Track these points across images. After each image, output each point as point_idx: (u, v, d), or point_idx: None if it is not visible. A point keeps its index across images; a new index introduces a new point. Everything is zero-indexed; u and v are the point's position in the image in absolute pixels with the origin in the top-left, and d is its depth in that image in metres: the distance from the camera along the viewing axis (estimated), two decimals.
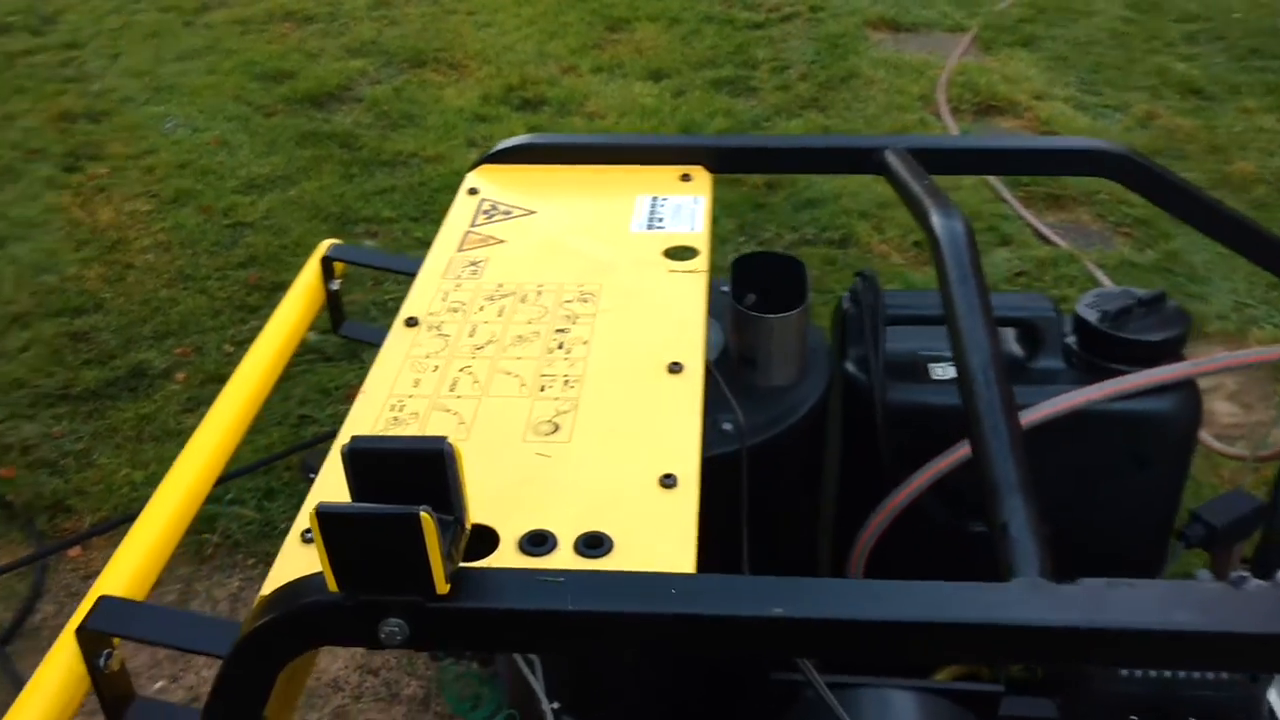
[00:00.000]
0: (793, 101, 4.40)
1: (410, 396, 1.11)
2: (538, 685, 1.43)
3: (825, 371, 1.40)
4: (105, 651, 0.99)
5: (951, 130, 4.13)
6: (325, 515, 0.77)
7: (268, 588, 0.88)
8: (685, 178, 1.46)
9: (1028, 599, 0.76)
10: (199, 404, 2.57)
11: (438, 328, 1.22)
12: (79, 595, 2.03)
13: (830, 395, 1.41)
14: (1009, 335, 1.49)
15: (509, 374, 1.13)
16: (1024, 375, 1.44)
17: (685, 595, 0.80)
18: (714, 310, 1.44)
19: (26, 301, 3.20)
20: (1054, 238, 3.44)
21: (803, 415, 1.34)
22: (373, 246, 3.40)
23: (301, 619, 0.84)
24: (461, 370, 1.14)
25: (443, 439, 0.80)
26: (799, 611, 0.77)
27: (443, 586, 0.78)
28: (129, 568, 1.10)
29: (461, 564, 0.85)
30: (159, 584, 2.26)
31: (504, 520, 0.92)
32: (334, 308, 1.60)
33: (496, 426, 1.05)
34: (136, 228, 3.60)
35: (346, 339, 1.68)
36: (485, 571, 0.84)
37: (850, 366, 1.46)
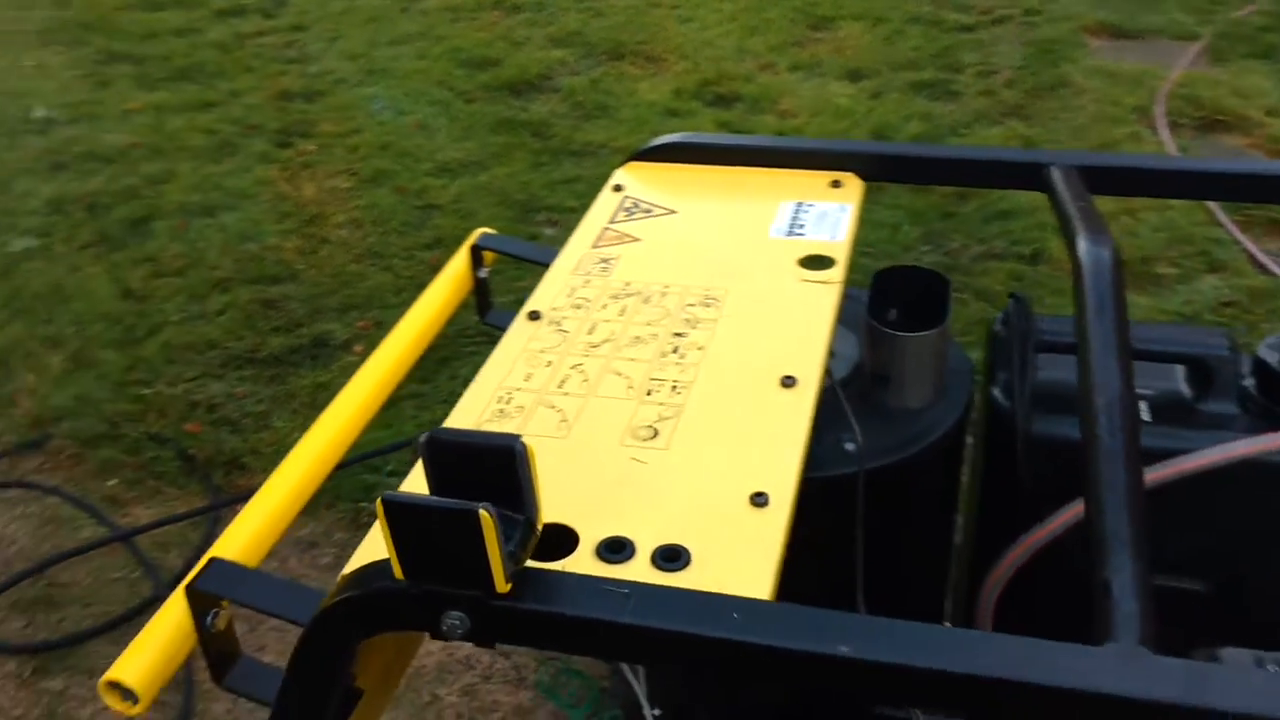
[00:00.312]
0: (995, 108, 4.21)
1: (519, 390, 1.11)
2: (640, 691, 1.42)
3: (964, 396, 1.32)
4: (213, 611, 1.03)
5: (1168, 147, 3.85)
6: (390, 504, 0.77)
7: (349, 566, 0.89)
8: (835, 184, 1.41)
9: (1116, 667, 0.69)
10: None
11: (558, 323, 1.21)
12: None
13: (967, 421, 1.33)
14: (1177, 373, 1.36)
15: (619, 375, 1.11)
16: (1190, 418, 1.31)
17: (748, 622, 0.77)
18: (853, 324, 1.38)
19: (229, 268, 3.42)
20: (1273, 267, 3.16)
21: (934, 440, 1.27)
22: (551, 235, 3.46)
23: (369, 603, 0.85)
24: (573, 367, 1.13)
25: (516, 437, 0.79)
26: (865, 653, 0.73)
27: (502, 585, 0.77)
28: (245, 534, 1.13)
29: (531, 563, 0.84)
30: (314, 546, 2.38)
31: (586, 523, 0.91)
32: (481, 295, 1.62)
33: (597, 427, 1.04)
34: (335, 203, 3.78)
35: (490, 327, 1.71)
36: (550, 574, 0.83)
37: (996, 392, 1.37)
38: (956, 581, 1.56)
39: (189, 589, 1.01)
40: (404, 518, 0.77)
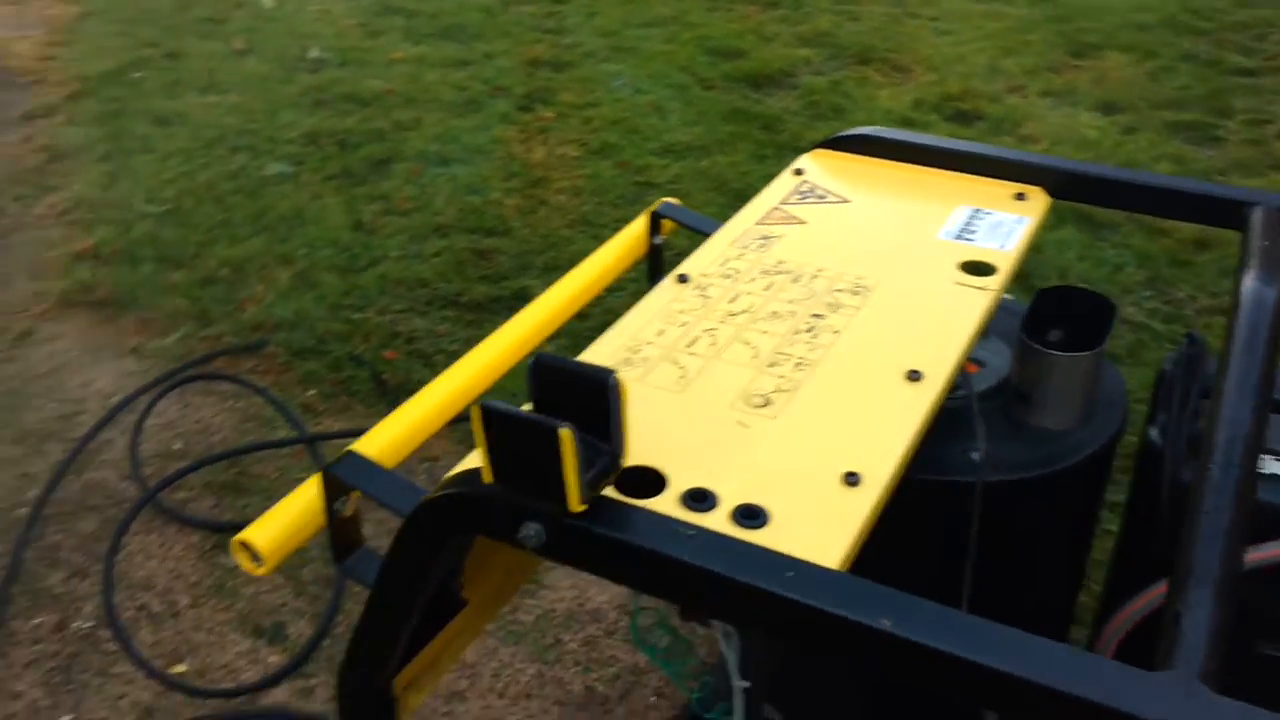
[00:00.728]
0: (1260, 159, 3.90)
1: (649, 344, 1.14)
2: (731, 659, 1.43)
3: (1111, 427, 1.26)
4: (342, 498, 1.11)
5: None
6: (486, 411, 0.82)
7: (453, 471, 0.95)
8: (1019, 196, 1.37)
9: (1164, 695, 0.65)
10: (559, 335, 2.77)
11: (704, 289, 1.23)
12: (411, 472, 2.28)
13: (1110, 453, 1.26)
14: None
15: (747, 344, 1.12)
16: None
17: (799, 581, 0.77)
18: (1012, 339, 1.34)
19: (451, 215, 3.60)
20: None
21: (1067, 465, 1.21)
22: None
23: (459, 502, 0.90)
24: (706, 331, 1.15)
25: (611, 371, 0.82)
26: (908, 631, 0.72)
27: (576, 504, 0.81)
28: (386, 437, 1.21)
29: (613, 494, 0.87)
30: (436, 460, 2.46)
31: (677, 471, 0.93)
32: (654, 261, 1.66)
33: (712, 388, 1.05)
34: (560, 170, 3.92)
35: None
36: (626, 505, 0.86)
37: (1153, 431, 1.29)
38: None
39: (324, 473, 1.09)
40: (496, 426, 0.82)
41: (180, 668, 2.16)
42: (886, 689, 1.41)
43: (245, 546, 1.09)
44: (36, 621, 2.26)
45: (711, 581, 0.79)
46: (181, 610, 2.28)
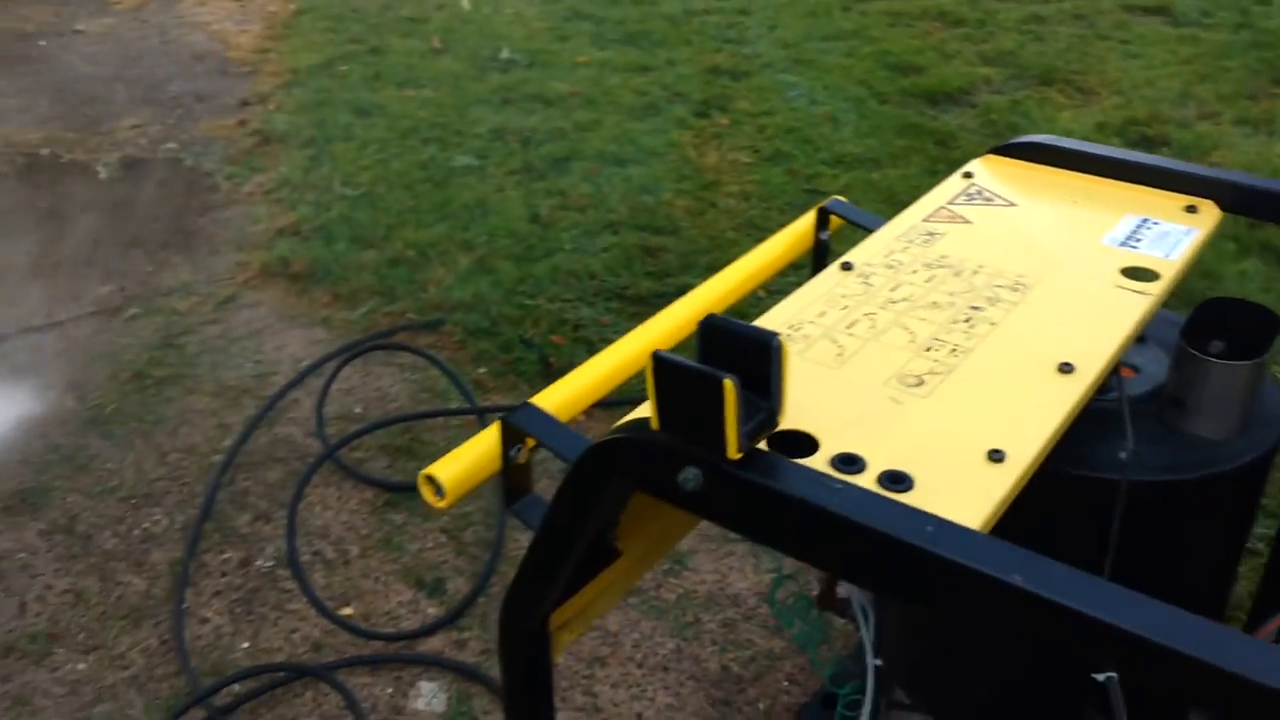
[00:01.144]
0: None
1: (810, 323, 1.20)
2: (867, 638, 1.47)
3: (1269, 440, 1.25)
4: (517, 445, 1.20)
5: None
6: (658, 360, 0.89)
7: (620, 421, 1.03)
8: (1190, 209, 1.37)
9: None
10: None
11: (866, 277, 1.29)
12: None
13: (1266, 468, 1.25)
14: None
15: (905, 329, 1.17)
16: None
17: (939, 535, 0.81)
18: (1171, 349, 1.34)
19: (623, 213, 3.73)
20: None
21: (1219, 471, 1.21)
22: None
23: (625, 446, 0.97)
24: (866, 315, 1.20)
25: (775, 334, 0.89)
26: (1038, 587, 0.75)
27: (734, 452, 0.85)
28: (563, 393, 1.30)
29: (767, 450, 0.94)
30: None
31: (828, 437, 0.98)
32: (818, 256, 1.71)
33: (868, 366, 1.10)
34: (731, 174, 4.00)
35: None
36: (779, 459, 0.91)
37: None
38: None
39: (503, 421, 1.20)
40: (665, 374, 0.89)
41: (347, 610, 2.33)
42: (1018, 678, 1.43)
43: (430, 480, 1.19)
44: (224, 557, 2.48)
45: (855, 533, 0.83)
46: (352, 559, 2.46)
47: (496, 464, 1.20)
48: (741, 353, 0.89)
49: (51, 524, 2.56)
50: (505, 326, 3.15)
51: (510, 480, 1.22)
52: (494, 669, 2.19)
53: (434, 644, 2.26)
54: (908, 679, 1.62)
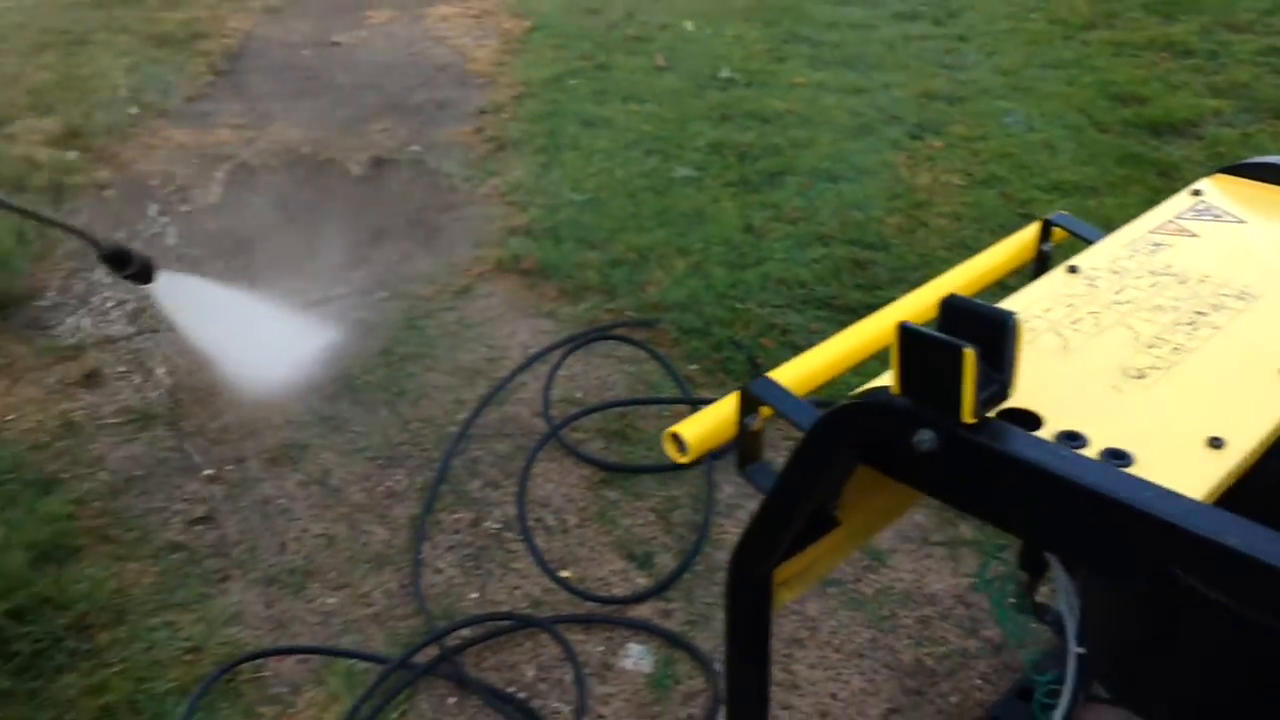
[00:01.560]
0: None
1: (1036, 317, 1.29)
2: (1070, 625, 1.54)
3: None
4: (753, 414, 1.35)
5: None
6: (904, 330, 1.02)
7: (857, 390, 1.16)
8: None
9: None
10: None
11: (1092, 279, 1.37)
12: (774, 449, 2.53)
13: None
14: None
15: (1129, 328, 1.25)
16: None
17: (1161, 500, 0.87)
18: None
19: (834, 227, 3.85)
20: None
21: None
22: None
23: (862, 409, 1.09)
24: (1090, 313, 1.29)
25: (1012, 313, 1.00)
26: (1255, 551, 0.79)
27: (969, 416, 0.93)
28: (799, 370, 1.43)
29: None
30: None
31: (1053, 416, 1.06)
32: (1039, 267, 1.78)
33: (1091, 357, 1.18)
34: (943, 195, 4.06)
35: None
36: (1009, 426, 1.00)
37: None
38: None
39: (742, 390, 1.35)
40: (910, 342, 1.01)
41: (565, 573, 2.54)
42: (1228, 676, 1.46)
43: (675, 437, 1.34)
44: (457, 516, 2.73)
45: (1080, 498, 0.89)
46: (570, 528, 2.67)
47: (733, 429, 1.34)
48: (979, 328, 0.97)
49: (308, 476, 2.88)
50: (717, 327, 3.32)
51: (744, 445, 1.35)
52: (698, 638, 2.35)
53: (642, 611, 2.44)
54: (1109, 673, 1.67)
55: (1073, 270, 1.39)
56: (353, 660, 2.32)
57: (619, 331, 3.37)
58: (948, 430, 0.96)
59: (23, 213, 1.77)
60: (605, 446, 2.93)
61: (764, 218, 3.94)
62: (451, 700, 2.25)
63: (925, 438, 0.97)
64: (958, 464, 0.98)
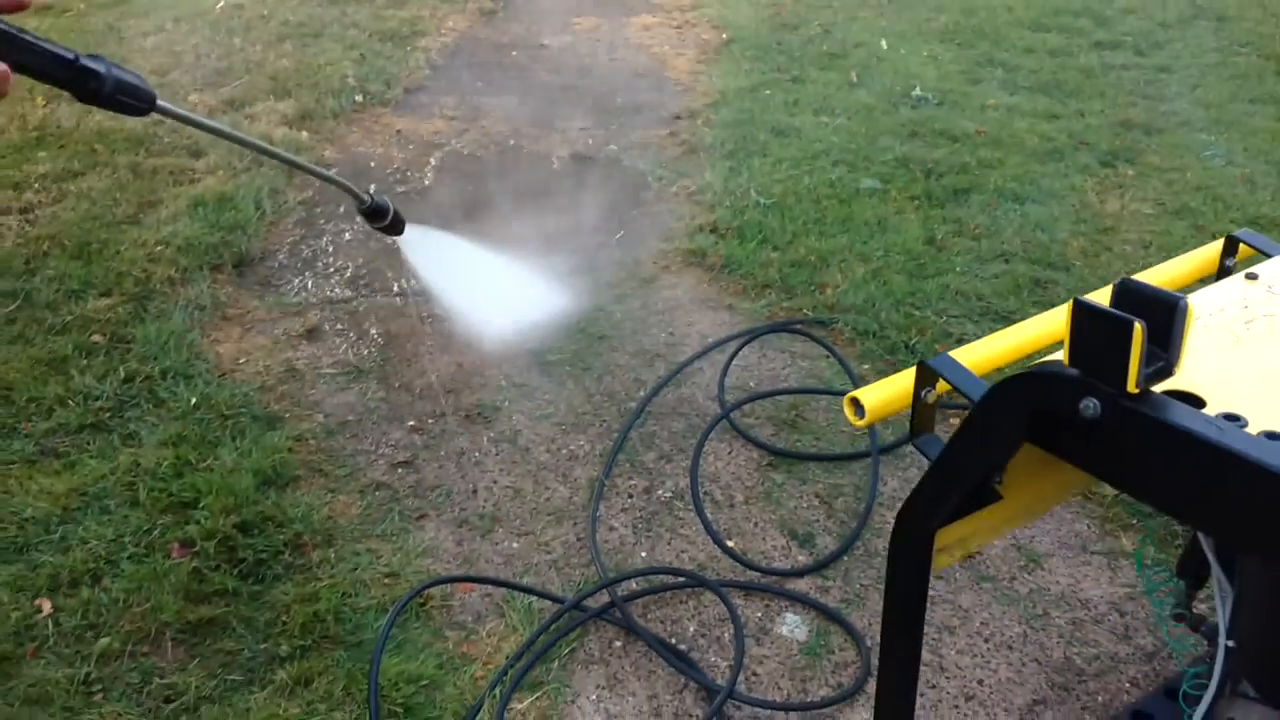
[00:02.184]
0: None
1: (1209, 314, 1.37)
2: (1222, 617, 1.60)
3: None
4: (928, 387, 1.47)
5: None
6: (1078, 304, 1.13)
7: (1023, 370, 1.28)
8: None
9: None
10: None
11: (1270, 287, 1.44)
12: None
13: None
14: None
15: None
16: None
17: None
18: None
19: (1016, 245, 3.89)
20: None
21: None
22: None
23: (1031, 379, 1.18)
24: (1265, 315, 1.36)
25: (1183, 297, 1.09)
26: None
27: (1133, 386, 0.98)
28: (975, 353, 1.53)
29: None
30: None
31: (1217, 400, 1.11)
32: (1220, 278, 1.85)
33: (1261, 353, 1.25)
34: (1130, 223, 4.04)
35: None
36: (1171, 400, 1.03)
37: None
38: None
39: (920, 364, 1.47)
40: (1083, 315, 1.11)
41: (730, 543, 2.70)
42: None
43: (855, 402, 1.47)
44: (632, 482, 2.93)
45: (1232, 470, 0.93)
46: (736, 504, 2.83)
47: (908, 400, 1.46)
48: (1150, 309, 1.04)
49: (500, 434, 3.14)
50: (892, 331, 3.43)
51: (917, 416, 1.46)
52: (853, 615, 2.47)
53: (800, 585, 2.58)
54: (1258, 672, 1.71)
55: (1251, 277, 1.46)
56: (531, 599, 2.54)
57: (797, 327, 3.51)
58: (1112, 400, 1.01)
59: (301, 168, 2.04)
60: (774, 433, 3.08)
61: (946, 231, 4.02)
62: (618, 644, 2.44)
63: (1090, 405, 1.03)
64: (1119, 434, 1.03)
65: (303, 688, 2.29)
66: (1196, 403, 1.11)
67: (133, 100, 1.44)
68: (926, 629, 2.43)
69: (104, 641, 2.38)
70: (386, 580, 2.61)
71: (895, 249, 3.90)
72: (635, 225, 4.31)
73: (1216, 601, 1.60)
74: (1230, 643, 1.58)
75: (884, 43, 6.09)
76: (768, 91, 5.48)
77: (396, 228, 2.28)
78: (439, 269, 3.45)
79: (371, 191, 2.19)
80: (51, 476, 2.86)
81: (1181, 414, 1.00)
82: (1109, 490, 2.71)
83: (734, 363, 3.39)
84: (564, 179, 4.76)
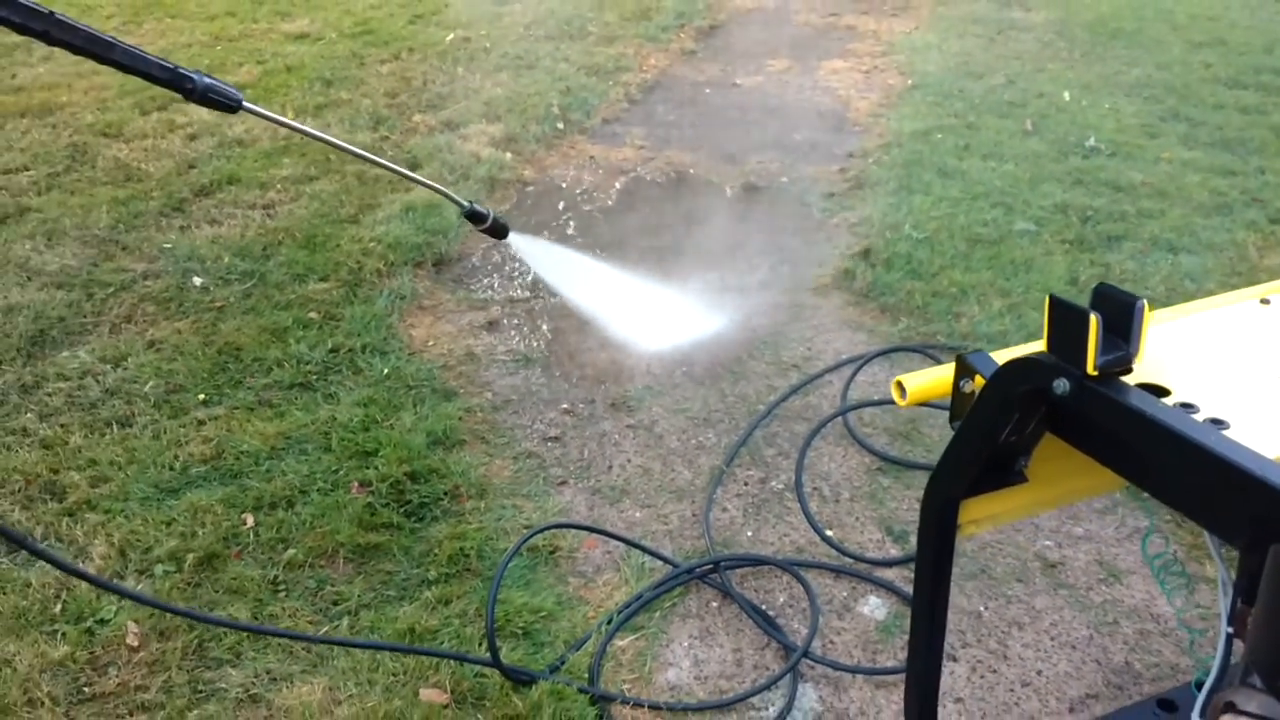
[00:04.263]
0: None
1: (1211, 327, 1.54)
2: (1223, 605, 1.75)
3: None
4: (966, 379, 1.70)
5: None
6: (1053, 300, 1.34)
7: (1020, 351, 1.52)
8: None
9: None
10: None
11: None
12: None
13: None
14: None
15: None
16: None
17: (1235, 448, 1.02)
18: None
19: (1160, 292, 3.96)
20: None
21: None
22: None
23: (1022, 363, 1.36)
24: (1263, 334, 1.49)
25: (1141, 299, 1.28)
26: None
27: (1091, 369, 1.11)
28: (1014, 354, 1.78)
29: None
30: None
31: (1180, 391, 1.21)
32: None
33: (1245, 364, 1.32)
34: None
35: None
36: (1127, 384, 1.15)
37: None
38: None
39: (959, 358, 1.70)
40: (1055, 310, 1.30)
41: (829, 531, 2.97)
42: None
43: (900, 385, 1.70)
44: (749, 473, 3.24)
45: (1169, 445, 1.06)
46: (841, 500, 3.10)
47: (948, 389, 1.67)
48: (1114, 308, 1.15)
49: (638, 422, 3.51)
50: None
51: (956, 404, 1.69)
52: None
53: (888, 574, 2.82)
54: (1263, 663, 1.84)
55: (1265, 302, 1.62)
56: (645, 559, 2.89)
57: (931, 351, 3.74)
58: (1077, 380, 1.15)
59: (399, 173, 2.48)
60: (889, 442, 3.32)
61: (1092, 274, 4.14)
62: (714, 604, 2.76)
63: (1061, 384, 1.17)
64: (1083, 410, 1.17)
65: (444, 606, 2.72)
66: (1163, 393, 1.26)
67: (222, 99, 1.93)
68: (997, 623, 2.64)
69: (291, 553, 2.88)
70: (525, 530, 3.02)
71: (1036, 286, 4.06)
72: (793, 250, 4.62)
73: (1219, 589, 1.76)
74: (1230, 629, 1.74)
75: (1066, 94, 6.18)
76: (940, 135, 5.69)
77: (499, 232, 2.71)
78: (605, 283, 3.89)
79: (473, 204, 2.61)
80: (265, 421, 3.42)
81: (1132, 395, 1.14)
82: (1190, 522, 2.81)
83: (862, 377, 3.65)
84: (735, 206, 5.13)
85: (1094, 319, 1.12)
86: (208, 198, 5.05)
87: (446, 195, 2.57)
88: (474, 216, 2.65)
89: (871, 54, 7.29)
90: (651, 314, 4.13)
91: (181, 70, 1.88)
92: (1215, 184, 4.95)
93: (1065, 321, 1.16)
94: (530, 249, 4.25)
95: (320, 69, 6.70)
